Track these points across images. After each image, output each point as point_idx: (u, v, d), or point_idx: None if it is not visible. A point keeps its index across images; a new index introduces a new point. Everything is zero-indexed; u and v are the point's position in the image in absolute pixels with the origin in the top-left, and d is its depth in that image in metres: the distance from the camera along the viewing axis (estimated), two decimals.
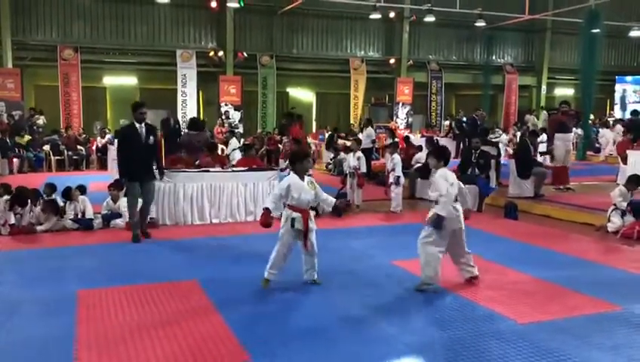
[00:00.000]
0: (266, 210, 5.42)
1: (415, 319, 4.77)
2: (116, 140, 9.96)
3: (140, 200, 7.75)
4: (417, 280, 5.81)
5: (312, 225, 5.50)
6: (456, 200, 5.50)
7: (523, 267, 6.30)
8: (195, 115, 20.70)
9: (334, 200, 5.83)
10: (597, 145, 19.67)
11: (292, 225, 5.37)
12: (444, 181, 5.44)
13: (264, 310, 4.96)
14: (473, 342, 4.29)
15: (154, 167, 7.90)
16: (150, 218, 8.15)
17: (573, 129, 13.49)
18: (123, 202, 8.32)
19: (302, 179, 5.49)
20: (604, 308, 5.04)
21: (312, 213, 5.61)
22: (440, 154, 5.73)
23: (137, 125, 7.64)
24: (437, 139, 13.06)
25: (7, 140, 15.49)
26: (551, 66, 26.58)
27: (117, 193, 8.50)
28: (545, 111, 23.60)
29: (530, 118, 23.44)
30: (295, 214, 5.38)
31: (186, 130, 12.02)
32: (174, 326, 4.55)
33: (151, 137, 7.69)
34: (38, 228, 8.03)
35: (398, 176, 9.93)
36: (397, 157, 10.22)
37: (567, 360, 3.99)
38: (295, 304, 5.14)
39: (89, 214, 8.37)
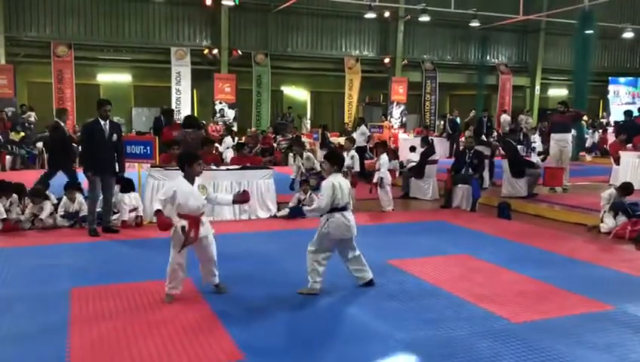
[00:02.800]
0: (159, 212, 4.91)
1: (408, 318, 4.78)
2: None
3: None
4: (413, 279, 5.84)
5: (206, 231, 5.10)
6: (345, 208, 5.32)
7: (516, 266, 6.33)
8: (190, 112, 20.68)
9: (230, 196, 5.56)
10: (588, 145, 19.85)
11: (183, 234, 4.94)
12: (331, 191, 5.20)
13: (258, 308, 4.96)
14: (466, 340, 4.30)
15: (115, 164, 7.95)
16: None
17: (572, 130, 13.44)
18: (120, 198, 8.32)
19: (192, 183, 5.06)
20: (596, 308, 5.07)
21: (205, 219, 5.17)
22: (333, 159, 5.47)
23: (102, 122, 7.77)
24: (431, 139, 13.08)
25: (2, 136, 15.41)
26: (545, 67, 26.71)
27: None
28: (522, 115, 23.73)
29: (523, 118, 23.55)
30: (184, 222, 4.96)
31: (182, 128, 11.99)
32: (168, 325, 4.54)
33: (114, 135, 7.83)
34: (40, 216, 8.02)
35: (382, 178, 9.94)
36: (384, 157, 10.23)
37: (560, 359, 4.02)
38: (288, 303, 5.14)
39: (84, 211, 8.34)
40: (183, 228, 4.95)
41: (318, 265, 5.32)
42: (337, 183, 5.29)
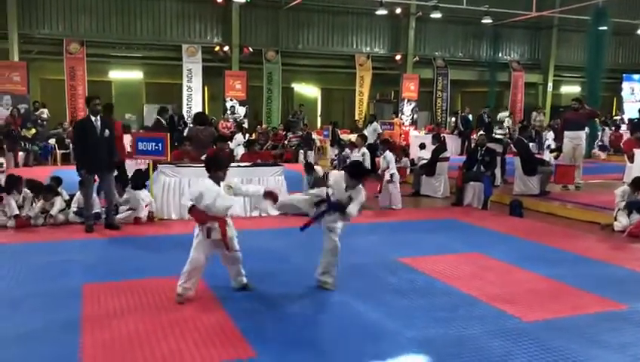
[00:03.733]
0: (193, 207, 4.90)
1: (419, 316, 4.76)
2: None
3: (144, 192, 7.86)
4: (424, 277, 5.82)
5: (232, 231, 5.09)
6: None
7: (528, 265, 6.29)
8: (201, 109, 20.73)
9: (261, 188, 5.42)
10: (599, 143, 19.66)
11: (208, 236, 4.92)
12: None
13: (269, 306, 4.96)
14: (477, 339, 4.28)
15: (111, 160, 7.96)
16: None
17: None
18: (135, 195, 8.36)
19: (218, 184, 5.01)
20: (610, 307, 5.02)
21: (230, 220, 5.13)
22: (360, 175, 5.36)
23: (93, 118, 7.76)
24: (443, 136, 13.01)
25: (14, 133, 15.53)
26: (557, 64, 26.46)
27: (120, 188, 8.52)
28: (536, 112, 23.59)
29: (536, 115, 23.38)
30: (210, 223, 4.93)
31: (192, 125, 12.07)
32: (180, 322, 4.55)
33: (106, 130, 7.79)
34: (51, 212, 8.07)
35: (392, 173, 9.92)
36: (389, 154, 10.18)
37: (573, 359, 3.98)
38: (299, 300, 5.14)
39: (96, 207, 8.38)
40: (209, 229, 4.91)
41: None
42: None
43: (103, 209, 8.42)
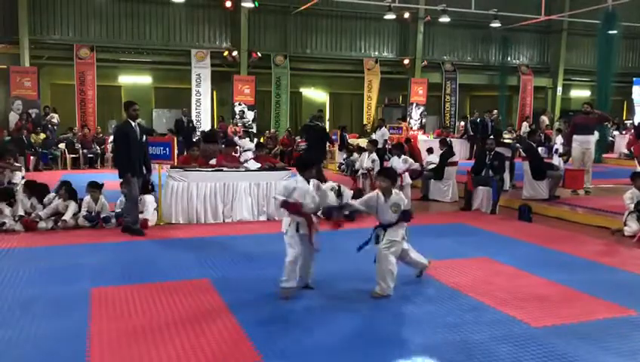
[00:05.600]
0: (286, 201, 5.25)
1: (427, 321, 4.74)
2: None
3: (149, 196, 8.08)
4: (432, 282, 5.80)
5: (317, 227, 5.38)
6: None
7: (537, 270, 6.25)
8: (209, 114, 20.85)
9: (350, 192, 5.63)
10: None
11: (297, 230, 5.25)
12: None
13: (276, 310, 4.96)
14: (486, 345, 4.25)
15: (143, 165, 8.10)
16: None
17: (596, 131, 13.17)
18: (143, 199, 8.40)
19: (308, 183, 5.37)
20: (620, 313, 4.97)
21: (315, 218, 5.41)
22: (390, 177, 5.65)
23: (132, 123, 7.85)
24: (450, 140, 12.98)
25: (25, 138, 15.67)
26: (567, 68, 26.32)
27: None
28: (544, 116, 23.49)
29: (545, 119, 23.27)
30: (298, 218, 5.26)
31: (203, 142, 12.39)
32: (186, 325, 4.56)
33: (144, 135, 7.99)
34: (64, 217, 8.13)
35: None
36: (395, 159, 10.14)
37: None
38: (306, 305, 5.13)
39: (105, 212, 8.43)
40: (297, 223, 5.22)
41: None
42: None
43: (113, 213, 8.47)
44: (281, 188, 5.47)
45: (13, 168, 10.94)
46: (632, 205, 8.15)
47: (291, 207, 5.24)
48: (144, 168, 8.09)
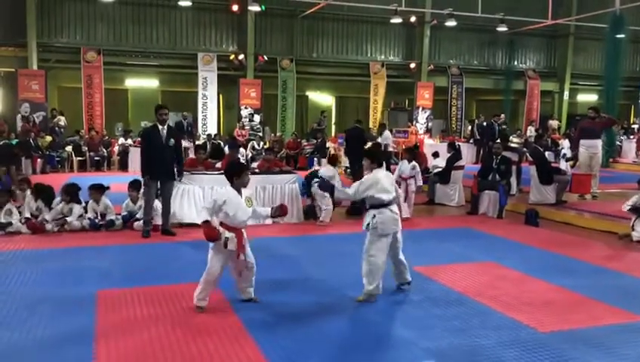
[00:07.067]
0: (207, 223, 4.78)
1: (434, 326, 4.72)
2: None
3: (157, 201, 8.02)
4: (439, 286, 5.78)
5: (247, 244, 5.05)
6: (390, 204, 5.33)
7: (544, 275, 6.22)
8: (216, 118, 20.87)
9: (268, 210, 5.34)
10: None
11: (225, 246, 4.84)
12: (360, 185, 5.35)
13: (282, 315, 4.95)
14: (492, 350, 4.23)
15: (174, 168, 8.13)
16: None
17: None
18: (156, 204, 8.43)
19: (239, 194, 4.98)
20: (627, 319, 4.94)
21: (244, 231, 5.07)
22: (371, 155, 5.60)
23: (160, 127, 7.93)
24: (458, 144, 12.93)
25: (31, 141, 15.73)
26: (574, 72, 26.24)
27: (136, 194, 8.60)
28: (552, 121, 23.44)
29: (552, 124, 23.19)
30: (228, 234, 4.86)
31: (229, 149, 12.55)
32: (193, 329, 4.56)
33: (171, 139, 7.97)
34: (68, 219, 8.16)
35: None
36: (404, 163, 10.09)
37: None
38: (312, 308, 5.12)
39: (110, 214, 8.44)
40: (226, 239, 4.84)
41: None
42: (374, 178, 5.30)
43: (117, 216, 8.49)
44: (211, 201, 5.00)
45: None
46: (628, 206, 8.10)
47: (207, 231, 4.78)
48: (175, 172, 8.13)
